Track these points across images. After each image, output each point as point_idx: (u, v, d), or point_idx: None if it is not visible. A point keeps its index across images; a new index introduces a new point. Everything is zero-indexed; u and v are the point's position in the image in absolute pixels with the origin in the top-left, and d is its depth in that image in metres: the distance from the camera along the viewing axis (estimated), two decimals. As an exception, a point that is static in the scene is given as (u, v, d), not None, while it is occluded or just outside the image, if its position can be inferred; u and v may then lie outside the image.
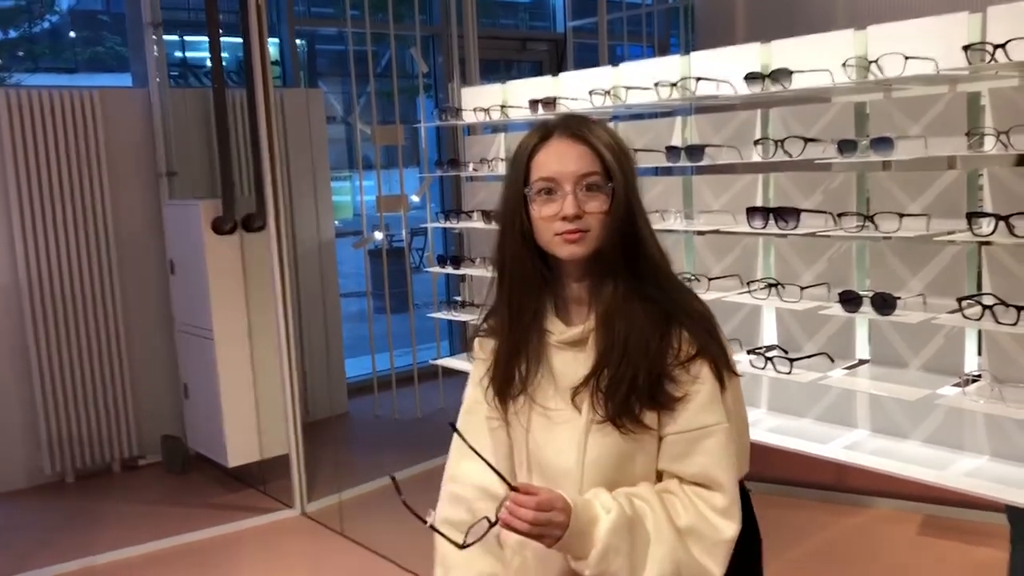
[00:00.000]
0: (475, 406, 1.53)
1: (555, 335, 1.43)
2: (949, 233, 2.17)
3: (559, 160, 1.37)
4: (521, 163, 1.41)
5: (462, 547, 1.28)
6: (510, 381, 1.45)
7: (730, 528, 1.33)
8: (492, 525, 1.26)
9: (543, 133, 1.41)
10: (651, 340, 1.35)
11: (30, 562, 3.88)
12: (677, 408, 1.35)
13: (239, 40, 4.27)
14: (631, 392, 1.34)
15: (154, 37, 5.03)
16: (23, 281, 4.72)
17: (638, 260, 1.38)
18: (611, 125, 1.33)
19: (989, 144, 2.08)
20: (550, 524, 1.24)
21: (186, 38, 6.82)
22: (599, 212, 1.35)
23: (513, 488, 1.25)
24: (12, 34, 6.62)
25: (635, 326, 1.35)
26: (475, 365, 1.55)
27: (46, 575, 3.80)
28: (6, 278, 4.72)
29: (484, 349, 1.52)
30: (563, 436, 1.40)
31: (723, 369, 1.38)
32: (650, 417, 1.36)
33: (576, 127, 1.39)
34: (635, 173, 1.41)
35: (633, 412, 1.34)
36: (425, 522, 1.27)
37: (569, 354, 1.42)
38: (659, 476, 1.40)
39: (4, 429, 4.75)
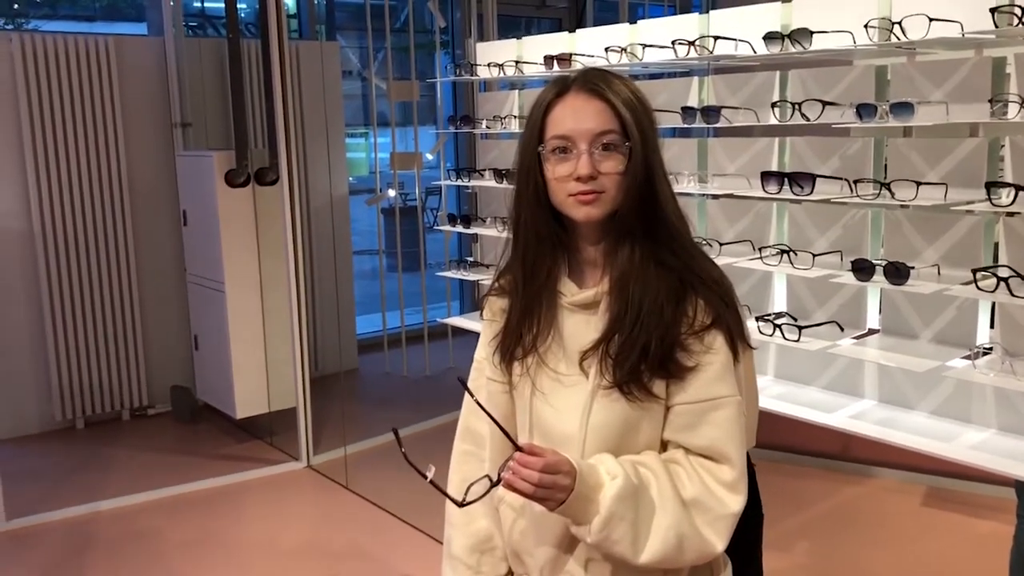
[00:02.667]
0: (482, 364, 1.51)
1: (567, 297, 1.39)
2: (967, 203, 2.12)
3: (574, 117, 1.31)
4: (536, 119, 1.35)
5: (461, 505, 1.27)
6: (518, 342, 1.41)
7: (736, 502, 1.30)
8: (494, 485, 1.25)
9: (560, 87, 1.35)
10: (665, 307, 1.31)
11: (40, 505, 3.94)
12: (688, 378, 1.31)
13: (254, -10, 4.22)
14: (642, 359, 1.30)
15: (170, -16, 4.99)
16: (36, 229, 4.73)
17: (656, 224, 1.33)
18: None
19: (1013, 112, 2.02)
20: (555, 487, 1.21)
21: (203, -12, 6.76)
22: (615, 172, 1.30)
23: (519, 448, 1.22)
24: (30, -21, 6.57)
25: (649, 292, 1.31)
26: (484, 325, 1.52)
27: (55, 518, 3.86)
28: (20, 225, 4.73)
29: (492, 309, 1.49)
30: (568, 400, 1.36)
31: (738, 340, 1.34)
32: (659, 386, 1.32)
33: (594, 81, 1.32)
34: (656, 132, 1.35)
35: (642, 380, 1.30)
36: (425, 477, 1.23)
37: (581, 317, 1.38)
38: (664, 447, 1.36)
39: (17, 376, 4.80)
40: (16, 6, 6.52)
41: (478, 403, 1.34)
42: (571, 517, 1.26)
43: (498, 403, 1.47)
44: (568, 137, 1.31)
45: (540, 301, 1.40)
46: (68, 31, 5.28)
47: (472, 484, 1.27)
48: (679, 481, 1.30)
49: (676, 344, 1.31)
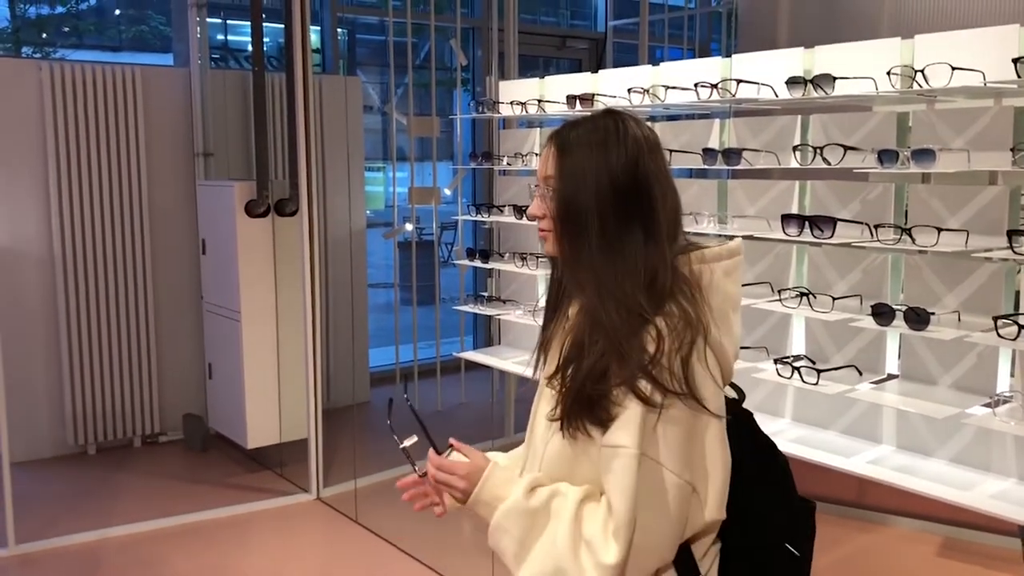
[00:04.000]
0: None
1: (569, 321, 1.45)
2: (988, 250, 2.12)
3: (541, 161, 1.43)
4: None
5: (422, 476, 1.51)
6: (537, 362, 1.50)
7: (611, 553, 1.27)
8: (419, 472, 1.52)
9: (552, 134, 1.45)
10: (601, 356, 1.32)
11: (49, 530, 3.93)
12: (609, 425, 1.32)
13: (280, 25, 4.29)
14: (576, 400, 1.34)
15: (198, 19, 5.07)
16: (57, 254, 4.78)
17: (580, 273, 1.36)
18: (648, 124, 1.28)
19: (1035, 160, 2.04)
20: (447, 485, 1.44)
21: (228, 21, 6.87)
22: (547, 215, 1.40)
23: (434, 446, 1.47)
24: (59, 10, 6.70)
25: (587, 336, 1.36)
26: None
27: (64, 543, 3.85)
28: (41, 251, 4.78)
29: None
30: (541, 424, 1.44)
31: (659, 399, 1.29)
32: (594, 429, 1.34)
33: (560, 130, 1.42)
34: (610, 182, 1.33)
35: (577, 420, 1.34)
36: (400, 444, 1.49)
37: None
38: None
39: (31, 400, 4.81)
40: (44, 35, 6.65)
41: (417, 418, 1.51)
42: (475, 518, 1.42)
43: None
44: (536, 180, 1.44)
45: (555, 323, 1.47)
46: (95, 60, 5.38)
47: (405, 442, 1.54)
48: (587, 517, 1.32)
49: (605, 393, 1.31)
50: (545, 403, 1.43)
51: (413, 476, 1.54)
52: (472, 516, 1.43)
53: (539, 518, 1.35)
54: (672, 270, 1.35)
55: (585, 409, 1.33)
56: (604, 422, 1.32)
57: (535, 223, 1.47)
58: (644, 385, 1.28)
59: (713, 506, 1.35)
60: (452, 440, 1.49)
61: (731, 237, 2.76)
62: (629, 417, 1.29)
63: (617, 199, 1.34)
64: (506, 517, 1.37)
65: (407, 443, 1.48)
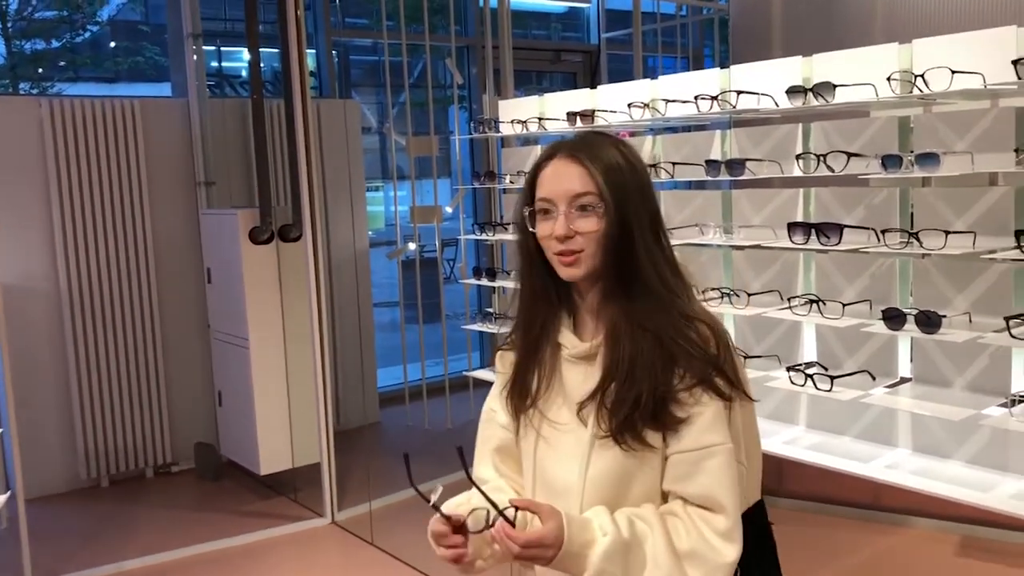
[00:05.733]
0: (490, 415, 1.57)
1: (567, 349, 1.44)
2: (996, 251, 2.13)
3: (556, 180, 1.39)
4: (529, 182, 1.45)
5: (456, 531, 1.35)
6: (523, 395, 1.47)
7: (731, 552, 1.32)
8: (486, 527, 1.30)
9: (549, 152, 1.44)
10: (656, 361, 1.35)
11: (65, 565, 3.93)
12: (680, 429, 1.34)
13: (274, 51, 4.31)
14: (634, 410, 1.34)
15: (194, 48, 5.09)
16: (63, 289, 4.79)
17: (633, 284, 1.38)
18: (633, 142, 1.31)
19: (1038, 161, 2.05)
20: (537, 557, 1.28)
21: (223, 48, 6.90)
22: (592, 232, 1.36)
23: (506, 518, 1.27)
24: (54, 44, 6.74)
25: (640, 347, 1.36)
26: (497, 377, 1.59)
27: (81, 579, 3.85)
28: (47, 286, 4.79)
29: (504, 362, 1.55)
30: (568, 450, 1.41)
31: (730, 391, 1.36)
32: (653, 436, 1.35)
33: (576, 148, 1.40)
34: (641, 194, 1.39)
35: (635, 429, 1.34)
36: (428, 501, 1.32)
37: (580, 368, 1.43)
38: (665, 497, 1.39)
39: (43, 435, 4.81)
40: (40, 70, 6.68)
41: (470, 478, 1.36)
42: (564, 571, 1.31)
43: (511, 453, 1.54)
44: (550, 199, 1.39)
45: (541, 353, 1.46)
46: (92, 94, 5.40)
47: (475, 510, 1.33)
48: (676, 533, 1.33)
49: (668, 396, 1.34)
50: (565, 435, 1.42)
51: (446, 529, 1.37)
52: (559, 569, 1.31)
53: (633, 550, 1.31)
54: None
55: (647, 417, 1.34)
56: (671, 425, 1.34)
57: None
58: (719, 382, 1.34)
59: (753, 487, 1.43)
60: (512, 500, 1.31)
61: (738, 247, 2.77)
62: (714, 415, 1.34)
63: (650, 210, 1.40)
64: (605, 560, 1.29)
65: (435, 497, 1.32)
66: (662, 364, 1.35)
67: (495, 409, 1.55)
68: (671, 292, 1.38)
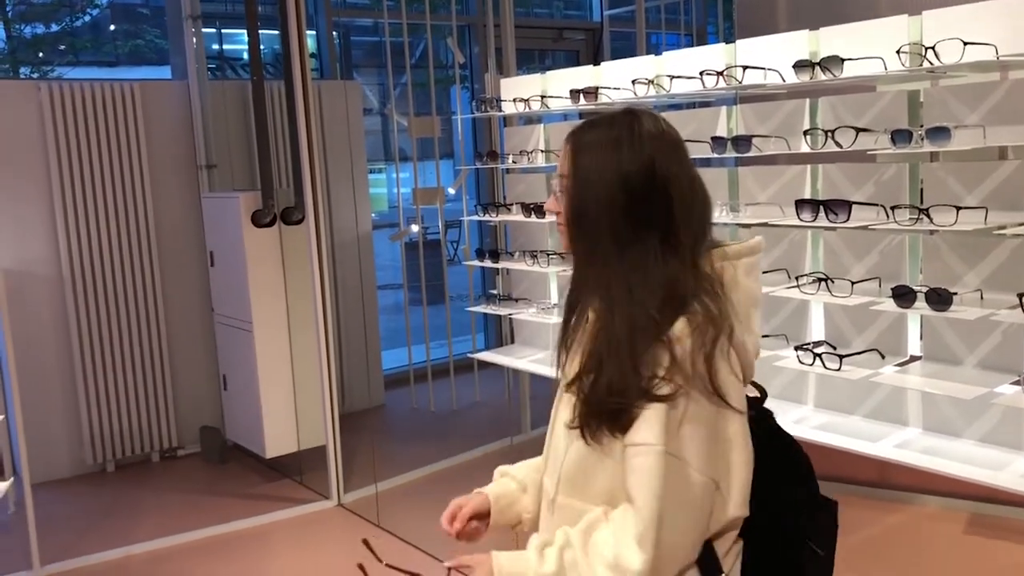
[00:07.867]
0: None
1: (588, 321, 1.41)
2: (1009, 226, 2.10)
3: (560, 158, 1.41)
4: None
5: None
6: (559, 363, 1.45)
7: (636, 560, 1.25)
8: None
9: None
10: (624, 359, 1.29)
11: (72, 550, 3.93)
12: (630, 427, 1.30)
13: (275, 32, 4.26)
14: (595, 412, 1.32)
15: (193, 30, 5.05)
16: (66, 275, 4.77)
17: (590, 270, 1.34)
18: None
19: (1052, 134, 2.01)
20: None
21: (223, 31, 6.85)
22: (557, 212, 1.39)
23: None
24: (54, 28, 6.69)
25: (610, 337, 1.32)
26: None
27: (88, 563, 3.85)
28: (49, 271, 4.77)
29: None
30: (560, 431, 1.41)
31: (680, 396, 1.27)
32: (608, 436, 1.31)
33: (577, 129, 1.39)
34: (616, 183, 1.30)
35: (591, 426, 1.32)
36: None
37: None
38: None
39: (48, 421, 4.81)
40: (40, 54, 6.64)
41: (389, 566, 1.46)
42: None
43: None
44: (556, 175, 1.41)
45: (575, 325, 1.42)
46: (92, 77, 5.36)
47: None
48: (602, 546, 1.29)
49: (625, 407, 1.29)
50: (564, 408, 1.40)
51: None
52: None
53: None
54: (695, 270, 1.32)
55: (605, 419, 1.31)
56: (625, 427, 1.29)
57: (543, 219, 1.46)
58: (662, 394, 1.26)
59: (736, 502, 1.33)
60: (446, 563, 1.39)
61: (745, 225, 2.74)
62: (651, 415, 1.27)
63: (630, 203, 1.29)
64: None
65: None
66: (625, 376, 1.30)
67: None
68: (633, 297, 1.28)
